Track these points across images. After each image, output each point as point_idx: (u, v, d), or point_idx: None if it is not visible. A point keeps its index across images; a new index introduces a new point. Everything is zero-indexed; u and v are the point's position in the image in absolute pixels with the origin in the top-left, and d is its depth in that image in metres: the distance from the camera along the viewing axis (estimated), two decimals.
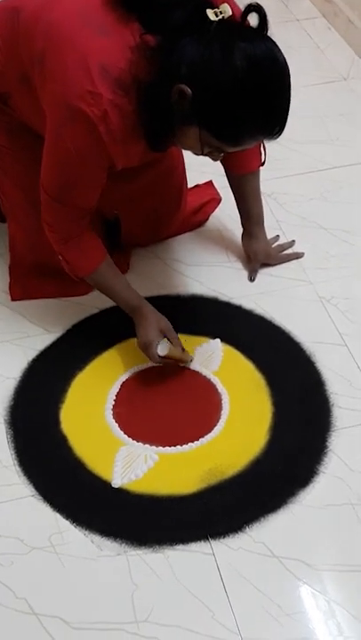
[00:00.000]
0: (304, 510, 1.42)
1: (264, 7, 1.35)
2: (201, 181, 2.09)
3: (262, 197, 1.86)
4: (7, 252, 1.87)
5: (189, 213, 2.00)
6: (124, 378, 1.65)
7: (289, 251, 1.94)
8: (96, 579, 1.34)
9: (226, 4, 1.29)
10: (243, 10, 1.31)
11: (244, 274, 1.89)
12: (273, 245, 1.93)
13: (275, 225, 2.01)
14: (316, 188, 2.15)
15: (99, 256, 1.60)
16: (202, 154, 1.42)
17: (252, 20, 1.30)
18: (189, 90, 1.29)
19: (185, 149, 1.47)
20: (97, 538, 1.39)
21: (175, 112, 1.34)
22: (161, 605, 1.31)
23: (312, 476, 1.47)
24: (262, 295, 1.83)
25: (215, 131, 1.34)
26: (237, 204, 1.87)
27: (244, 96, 1.28)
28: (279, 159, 2.25)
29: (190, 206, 1.99)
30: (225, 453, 1.51)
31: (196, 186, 2.07)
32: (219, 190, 2.08)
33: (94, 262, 1.60)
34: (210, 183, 2.09)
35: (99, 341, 1.72)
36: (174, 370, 1.65)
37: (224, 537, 1.39)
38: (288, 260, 1.92)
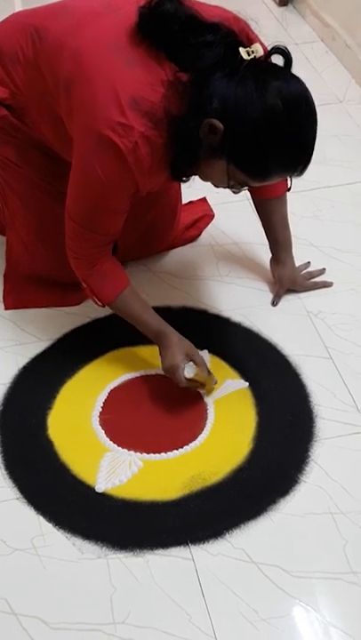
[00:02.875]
0: (284, 518, 1.44)
1: (263, 29, 1.39)
2: (195, 198, 2.13)
3: (254, 218, 1.89)
4: (3, 262, 1.91)
5: (183, 228, 2.04)
6: (112, 386, 1.68)
7: (319, 278, 1.94)
8: (76, 581, 1.36)
9: (258, 44, 1.32)
10: (269, 50, 1.36)
11: (234, 288, 1.92)
12: (302, 272, 1.93)
13: (265, 241, 2.04)
14: (309, 207, 2.19)
15: (122, 282, 1.62)
16: (227, 187, 1.44)
17: (277, 61, 1.35)
18: (221, 125, 1.32)
19: (207, 181, 1.49)
20: (79, 541, 1.41)
21: (203, 146, 1.36)
22: (139, 608, 1.32)
23: (293, 485, 1.49)
24: (251, 309, 1.86)
25: (243, 165, 1.36)
26: (264, 230, 1.88)
27: (276, 134, 1.31)
28: None
29: (184, 221, 2.03)
30: (208, 461, 1.53)
31: (190, 202, 2.11)
32: (212, 207, 2.12)
33: (118, 288, 1.60)
34: (204, 199, 2.13)
35: (89, 350, 1.75)
36: (161, 379, 1.68)
37: (204, 542, 1.41)
38: (315, 289, 1.92)
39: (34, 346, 1.77)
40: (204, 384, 1.63)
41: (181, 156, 1.40)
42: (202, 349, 1.74)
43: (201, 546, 1.40)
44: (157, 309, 1.84)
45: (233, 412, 1.62)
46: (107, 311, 1.73)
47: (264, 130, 1.30)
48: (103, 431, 1.59)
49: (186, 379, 1.58)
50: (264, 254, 1.96)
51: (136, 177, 1.41)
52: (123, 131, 1.35)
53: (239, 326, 1.81)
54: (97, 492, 1.48)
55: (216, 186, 1.49)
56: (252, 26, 1.47)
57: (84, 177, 1.45)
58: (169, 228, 1.99)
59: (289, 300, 1.88)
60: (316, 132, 1.37)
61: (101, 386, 1.67)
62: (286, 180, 1.72)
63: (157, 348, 1.65)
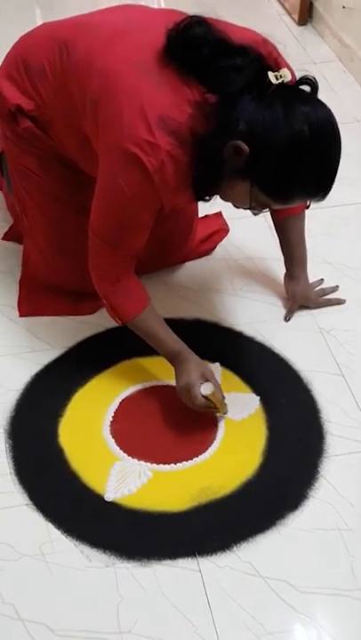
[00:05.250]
0: (292, 533, 1.44)
1: (282, 47, 1.41)
2: (211, 212, 2.14)
3: (268, 233, 1.90)
4: (18, 269, 1.93)
5: (198, 242, 2.05)
6: (123, 395, 1.68)
7: (332, 296, 1.94)
8: (83, 588, 1.36)
9: (286, 69, 1.35)
10: (297, 79, 1.39)
11: (247, 302, 1.93)
12: (315, 289, 1.94)
13: (279, 257, 2.05)
14: (322, 225, 2.20)
15: (143, 300, 1.62)
16: (248, 208, 1.46)
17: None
18: (246, 147, 1.33)
19: (229, 201, 1.51)
20: (87, 549, 1.41)
21: (227, 167, 1.38)
22: (145, 618, 1.32)
23: (302, 500, 1.49)
24: (264, 324, 1.87)
25: (267, 189, 1.38)
26: (281, 245, 1.89)
27: (302, 160, 1.33)
28: None
29: (199, 235, 2.04)
30: (217, 474, 1.54)
31: (206, 215, 2.12)
32: (227, 221, 2.13)
33: (139, 306, 1.61)
34: (219, 214, 2.15)
35: (102, 359, 1.76)
36: (172, 391, 1.68)
37: (211, 555, 1.41)
38: (328, 305, 1.92)
39: (47, 353, 1.78)
40: (217, 408, 1.61)
41: (205, 175, 1.41)
42: (213, 362, 1.75)
43: (208, 558, 1.40)
44: (170, 321, 1.85)
45: (243, 425, 1.63)
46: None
47: (289, 155, 1.32)
48: (114, 440, 1.59)
49: (203, 396, 1.56)
50: (278, 269, 1.97)
51: (161, 195, 1.43)
52: (150, 149, 1.37)
53: (252, 340, 1.82)
54: (106, 501, 1.48)
55: (236, 206, 1.51)
56: (279, 49, 1.48)
57: (110, 193, 1.46)
58: (184, 241, 2.00)
59: (302, 317, 1.89)
60: (339, 160, 1.39)
61: (113, 395, 1.68)
62: None
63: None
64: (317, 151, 1.33)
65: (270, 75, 1.33)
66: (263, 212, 1.49)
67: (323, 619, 1.33)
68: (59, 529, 1.44)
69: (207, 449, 1.58)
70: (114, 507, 1.48)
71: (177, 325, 1.84)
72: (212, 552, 1.41)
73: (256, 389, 1.70)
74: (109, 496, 1.49)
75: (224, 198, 1.51)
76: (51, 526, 1.45)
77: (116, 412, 1.65)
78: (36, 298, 1.87)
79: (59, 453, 1.57)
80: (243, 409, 1.66)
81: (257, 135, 1.32)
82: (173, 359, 1.63)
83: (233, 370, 1.75)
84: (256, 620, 1.31)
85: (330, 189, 1.40)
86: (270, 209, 1.48)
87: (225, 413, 1.63)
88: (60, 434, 1.61)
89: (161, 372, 1.73)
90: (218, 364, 1.75)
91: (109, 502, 1.48)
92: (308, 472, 1.54)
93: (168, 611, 1.33)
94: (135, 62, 1.42)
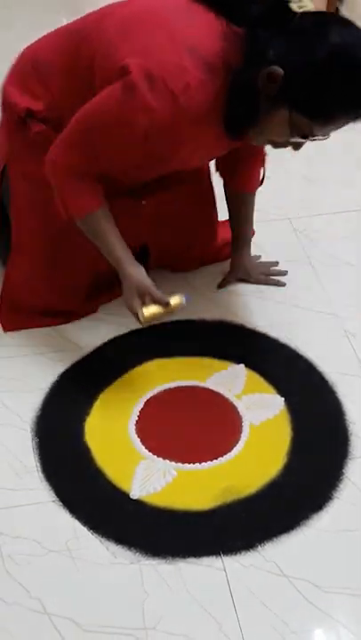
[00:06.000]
0: (316, 534, 1.44)
1: None
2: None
3: (295, 234, 1.91)
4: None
5: (220, 245, 2.06)
6: (148, 395, 1.70)
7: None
8: (108, 584, 1.37)
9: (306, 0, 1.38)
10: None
11: (273, 304, 1.94)
12: (256, 262, 2.01)
13: (305, 260, 2.06)
14: (348, 228, 2.21)
15: (100, 199, 1.55)
16: (290, 138, 1.44)
17: None
18: (281, 70, 1.35)
19: (265, 139, 1.50)
20: (112, 545, 1.42)
21: (262, 96, 1.38)
22: (170, 615, 1.33)
23: (326, 502, 1.49)
24: (289, 325, 1.87)
25: (308, 110, 1.37)
26: (230, 221, 1.95)
27: (340, 72, 1.33)
28: (314, 199, 2.33)
29: (223, 237, 2.06)
30: (242, 473, 1.54)
31: (226, 220, 2.14)
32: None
33: (95, 204, 1.54)
34: None
35: (127, 359, 1.77)
36: (198, 391, 1.70)
37: (236, 554, 1.41)
38: (266, 284, 1.98)
39: (73, 354, 1.80)
40: (169, 309, 1.60)
41: (238, 107, 1.41)
42: (238, 363, 1.76)
43: (233, 557, 1.41)
44: (193, 322, 1.88)
45: (268, 426, 1.64)
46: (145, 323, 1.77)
47: (327, 69, 1.32)
48: (139, 439, 1.61)
49: (145, 319, 1.57)
50: (302, 272, 1.98)
51: (182, 125, 1.40)
52: (177, 71, 1.37)
53: (276, 342, 1.83)
54: (131, 499, 1.50)
55: (275, 143, 1.51)
56: None
57: (117, 103, 1.41)
58: (207, 242, 2.02)
59: (326, 320, 1.89)
60: None
61: (138, 395, 1.70)
62: (259, 178, 1.84)
63: (195, 360, 1.71)
64: (354, 62, 1.33)
65: (292, 4, 1.36)
66: (305, 142, 1.46)
67: (346, 619, 1.33)
68: (85, 526, 1.46)
69: (232, 448, 1.59)
70: (139, 504, 1.49)
71: (202, 327, 1.88)
72: (236, 551, 1.42)
73: (281, 391, 1.71)
74: (135, 494, 1.50)
75: (259, 138, 1.49)
76: (77, 523, 1.46)
77: (141, 412, 1.66)
78: (19, 313, 1.84)
79: (85, 452, 1.58)
80: (267, 410, 1.66)
81: (290, 56, 1.34)
82: (117, 268, 1.60)
83: (258, 371, 1.75)
84: (280, 619, 1.32)
85: None
86: (314, 137, 1.43)
87: (182, 305, 1.61)
88: (85, 433, 1.62)
89: (185, 373, 1.74)
90: (242, 365, 1.76)
91: (135, 500, 1.50)
92: (332, 473, 1.54)
93: (193, 608, 1.34)
94: (161, 5, 1.45)
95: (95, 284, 1.87)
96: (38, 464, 1.56)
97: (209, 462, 1.56)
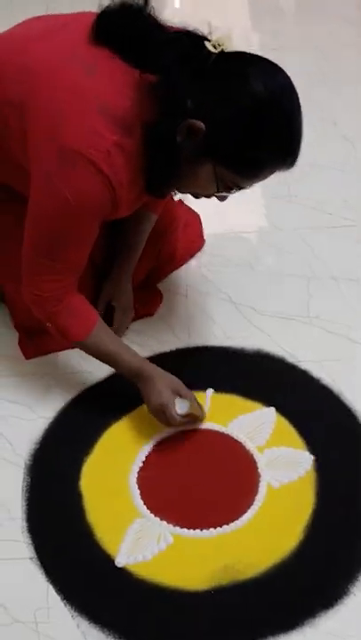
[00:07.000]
0: (320, 637, 1.22)
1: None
2: None
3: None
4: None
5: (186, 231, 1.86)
6: (159, 437, 1.50)
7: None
8: None
9: (222, 35, 1.23)
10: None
11: (322, 334, 1.68)
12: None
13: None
14: None
15: (92, 318, 1.47)
16: (216, 192, 1.34)
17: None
18: (201, 124, 1.23)
19: (191, 191, 1.40)
20: (84, 623, 1.25)
21: (183, 151, 1.24)
22: None
23: (340, 597, 1.26)
24: (336, 362, 1.61)
25: (233, 164, 1.27)
26: (121, 238, 1.67)
27: (265, 122, 1.23)
28: None
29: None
30: (248, 548, 1.33)
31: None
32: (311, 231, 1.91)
33: (89, 325, 1.46)
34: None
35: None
36: (216, 437, 1.49)
37: None
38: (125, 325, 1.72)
39: (87, 377, 1.62)
40: (197, 419, 1.49)
41: (159, 165, 1.28)
42: (268, 406, 1.53)
43: None
44: (227, 350, 1.66)
45: (289, 490, 1.40)
46: (168, 347, 1.61)
47: (252, 120, 1.22)
48: (139, 491, 1.41)
49: (180, 415, 1.43)
50: None
51: (115, 190, 1.29)
52: (92, 140, 1.23)
53: (317, 383, 1.58)
54: (116, 566, 1.32)
55: (197, 196, 1.40)
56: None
57: (48, 199, 1.31)
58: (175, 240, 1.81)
59: None
60: (302, 119, 1.28)
61: (147, 436, 1.50)
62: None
63: (219, 397, 1.51)
64: (280, 112, 1.23)
65: (208, 44, 1.23)
66: (231, 193, 1.35)
67: None
68: (59, 594, 1.29)
69: (242, 515, 1.37)
70: (124, 575, 1.30)
71: (236, 356, 1.66)
72: None
73: (312, 447, 1.47)
74: (120, 561, 1.32)
75: (184, 189, 1.39)
76: (51, 588, 1.30)
77: (148, 457, 1.47)
78: (37, 337, 1.66)
79: (77, 500, 1.41)
80: (292, 470, 1.43)
81: (210, 109, 1.22)
82: (136, 377, 1.47)
83: (289, 418, 1.52)
84: None
85: (298, 153, 1.28)
86: (240, 189, 1.33)
87: (204, 416, 1.51)
88: (82, 476, 1.44)
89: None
90: (273, 410, 1.52)
91: (120, 568, 1.31)
92: (354, 561, 1.30)
93: None
94: (60, 54, 1.29)
95: (97, 277, 1.69)
96: (24, 510, 1.41)
97: (212, 530, 1.35)
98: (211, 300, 1.77)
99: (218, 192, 1.33)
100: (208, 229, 1.87)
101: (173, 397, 1.45)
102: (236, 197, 1.37)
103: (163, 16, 1.32)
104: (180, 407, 1.44)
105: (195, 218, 1.91)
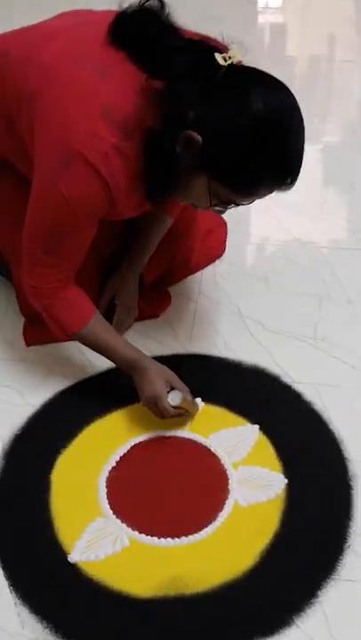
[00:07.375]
0: None
1: None
2: None
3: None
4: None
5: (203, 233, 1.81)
6: (136, 440, 1.49)
7: None
8: None
9: (235, 49, 1.21)
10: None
11: (324, 358, 1.65)
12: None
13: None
14: None
15: (89, 309, 1.48)
16: (210, 206, 1.32)
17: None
18: (199, 137, 1.21)
19: (188, 202, 1.37)
20: (25, 612, 1.26)
21: (181, 161, 1.24)
22: None
23: (281, 627, 1.21)
24: (332, 388, 1.57)
25: (227, 180, 1.26)
26: (133, 237, 1.67)
27: (265, 141, 1.21)
28: None
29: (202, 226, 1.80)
30: (201, 563, 1.31)
31: None
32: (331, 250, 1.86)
33: (86, 316, 1.47)
34: None
35: (131, 392, 1.54)
36: (193, 447, 1.47)
37: None
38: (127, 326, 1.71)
39: (81, 371, 1.63)
40: (189, 411, 1.50)
41: (156, 172, 1.27)
42: (253, 423, 1.51)
43: None
44: (226, 362, 1.65)
45: (255, 511, 1.37)
46: (167, 350, 1.60)
47: (249, 138, 1.20)
48: (106, 491, 1.41)
49: (172, 406, 1.45)
50: None
51: (111, 190, 1.29)
52: (92, 142, 1.24)
53: (307, 406, 1.54)
54: (68, 562, 1.32)
55: (196, 207, 1.39)
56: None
57: (46, 195, 1.33)
58: (191, 246, 1.77)
59: None
60: (304, 139, 1.26)
61: (126, 437, 1.50)
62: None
63: (207, 409, 1.50)
64: (278, 130, 1.21)
65: (218, 56, 1.21)
66: (228, 209, 1.34)
67: None
68: (7, 579, 1.30)
69: (201, 529, 1.35)
70: (73, 571, 1.30)
71: (231, 369, 1.64)
72: None
73: (288, 469, 1.43)
74: (73, 557, 1.32)
75: (182, 199, 1.38)
76: (1, 572, 1.32)
77: (122, 458, 1.46)
78: (40, 325, 1.64)
79: (44, 492, 1.41)
80: (263, 491, 1.40)
81: (209, 122, 1.21)
82: (131, 369, 1.48)
83: (271, 438, 1.48)
84: None
85: (298, 174, 1.26)
86: (236, 205, 1.32)
87: (198, 410, 1.52)
88: (55, 467, 1.45)
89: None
90: (256, 427, 1.50)
91: (71, 564, 1.31)
92: (304, 591, 1.26)
93: None
94: (77, 53, 1.31)
95: (104, 272, 1.70)
96: None
97: (169, 539, 1.34)
98: (220, 309, 1.76)
99: (211, 206, 1.32)
100: (230, 238, 1.85)
101: (166, 389, 1.45)
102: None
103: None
104: (173, 399, 1.45)
105: (221, 225, 1.89)
